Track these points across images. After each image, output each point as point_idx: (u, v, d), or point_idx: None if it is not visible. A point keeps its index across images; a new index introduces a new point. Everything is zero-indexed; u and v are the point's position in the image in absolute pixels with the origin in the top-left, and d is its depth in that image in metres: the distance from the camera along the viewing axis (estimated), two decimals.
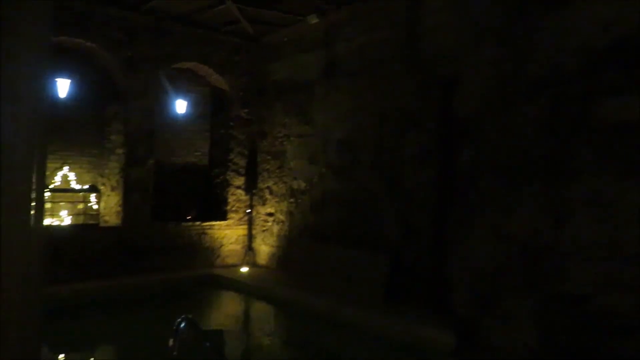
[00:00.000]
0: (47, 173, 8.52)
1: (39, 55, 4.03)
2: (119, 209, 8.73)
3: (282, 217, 9.49)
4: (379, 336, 6.04)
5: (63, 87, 8.47)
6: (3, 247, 3.64)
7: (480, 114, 5.99)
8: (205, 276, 8.96)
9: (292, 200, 9.28)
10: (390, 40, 7.48)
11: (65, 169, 8.70)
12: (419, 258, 6.83)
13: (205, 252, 9.53)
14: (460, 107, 6.27)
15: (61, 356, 5.28)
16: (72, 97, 8.55)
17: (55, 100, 8.41)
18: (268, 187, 9.86)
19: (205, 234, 9.56)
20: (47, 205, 8.34)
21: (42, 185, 3.97)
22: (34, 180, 3.92)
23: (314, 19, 8.58)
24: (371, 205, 7.65)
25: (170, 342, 2.99)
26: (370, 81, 7.82)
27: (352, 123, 8.11)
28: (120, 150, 8.84)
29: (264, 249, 9.83)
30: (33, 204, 3.75)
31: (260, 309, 8.16)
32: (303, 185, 9.05)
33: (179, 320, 3.11)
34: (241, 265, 9.41)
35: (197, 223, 9.51)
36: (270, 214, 9.76)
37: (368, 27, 7.87)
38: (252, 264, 9.59)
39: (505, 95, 5.70)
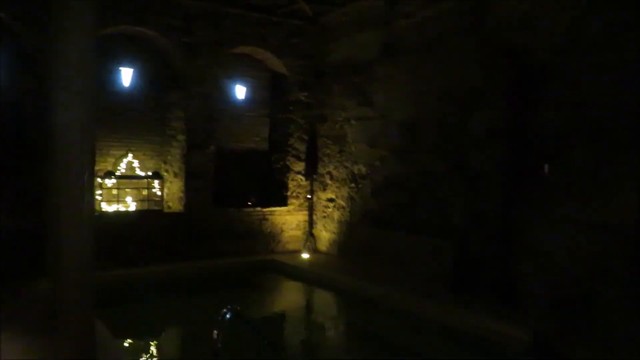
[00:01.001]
0: (113, 160, 8.77)
1: (86, 49, 3.95)
2: (182, 194, 8.83)
3: (342, 203, 9.24)
4: (445, 328, 5.68)
5: (126, 76, 8.63)
6: (62, 226, 3.64)
7: (562, 60, 5.33)
8: (266, 262, 8.91)
9: (353, 185, 9.00)
10: (454, 11, 6.96)
11: (130, 156, 8.88)
12: (487, 245, 6.35)
13: (266, 237, 9.48)
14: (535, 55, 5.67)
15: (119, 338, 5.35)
16: (134, 85, 8.69)
17: (118, 89, 8.59)
18: (328, 172, 9.63)
19: (265, 219, 9.51)
20: (113, 192, 8.57)
21: (93, 167, 3.92)
22: (85, 162, 3.88)
23: None
24: (435, 189, 7.23)
25: (215, 333, 2.83)
26: (432, 58, 7.34)
27: (414, 103, 7.68)
28: (181, 137, 8.91)
29: (325, 235, 9.64)
30: (85, 185, 3.74)
31: (321, 296, 7.99)
32: (364, 169, 8.74)
33: (224, 310, 2.94)
34: (302, 251, 9.28)
35: (258, 209, 9.47)
36: (331, 200, 9.54)
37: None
38: (313, 250, 9.44)
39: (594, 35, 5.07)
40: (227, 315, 2.94)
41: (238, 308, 3.05)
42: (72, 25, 3.96)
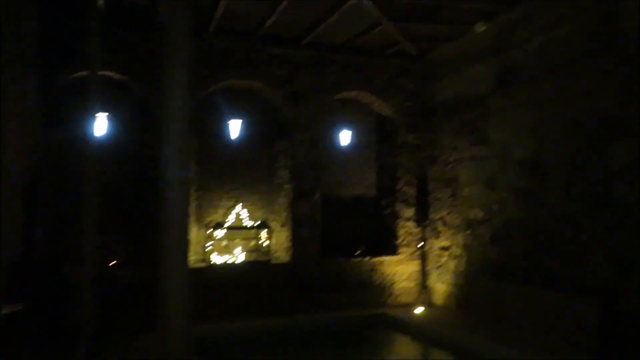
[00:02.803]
0: (222, 211, 8.91)
1: (185, 100, 3.99)
2: (289, 244, 8.67)
3: (458, 251, 8.43)
4: None
5: (234, 127, 8.84)
6: (168, 283, 3.65)
7: None
8: (376, 316, 8.31)
9: (468, 231, 8.19)
10: (578, 32, 6.16)
11: (238, 206, 8.98)
12: None
13: (376, 289, 8.91)
14: None
15: None
16: (242, 136, 8.87)
17: (228, 141, 8.81)
18: (441, 218, 8.91)
19: (375, 270, 8.98)
20: (223, 243, 8.64)
21: (187, 218, 3.89)
22: (183, 215, 3.89)
23: (481, 27, 7.63)
24: (568, 234, 6.24)
25: None
26: (555, 86, 6.53)
27: (537, 138, 6.84)
28: (287, 186, 8.84)
29: (440, 287, 8.83)
30: (187, 238, 3.78)
31: (438, 358, 7.18)
32: (480, 214, 7.93)
33: None
34: (415, 305, 8.55)
35: (367, 258, 8.99)
36: (445, 248, 8.77)
37: (547, 22, 6.63)
38: (428, 304, 8.65)
39: None
40: None
41: None
42: (173, 83, 4.03)
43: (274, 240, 9.08)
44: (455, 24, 7.69)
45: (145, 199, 7.69)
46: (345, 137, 9.55)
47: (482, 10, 7.17)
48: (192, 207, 8.45)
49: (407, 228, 9.30)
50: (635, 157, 5.39)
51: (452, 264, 8.56)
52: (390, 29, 7.72)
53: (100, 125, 7.33)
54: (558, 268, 6.35)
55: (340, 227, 9.46)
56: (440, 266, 8.86)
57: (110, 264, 7.64)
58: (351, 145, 9.63)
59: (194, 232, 8.56)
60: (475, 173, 8.08)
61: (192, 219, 8.44)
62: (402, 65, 9.26)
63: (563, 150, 6.39)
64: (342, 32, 8.03)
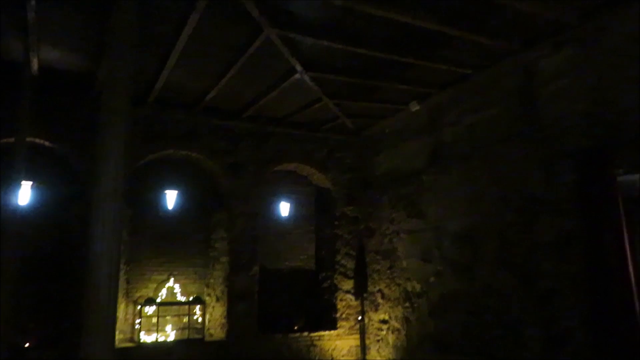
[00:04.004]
0: (154, 286, 8.44)
1: (119, 170, 3.86)
2: (224, 320, 8.27)
3: (397, 325, 8.37)
4: None
5: (171, 198, 8.60)
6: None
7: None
8: None
9: (407, 304, 8.19)
10: (503, 115, 6.63)
11: (171, 280, 8.55)
12: None
13: None
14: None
15: None
16: (178, 207, 8.62)
17: (163, 212, 8.52)
18: (379, 290, 8.89)
19: (314, 345, 8.70)
20: (153, 320, 8.11)
21: (116, 295, 3.66)
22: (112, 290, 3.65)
23: (415, 106, 8.05)
24: (502, 308, 6.37)
25: None
26: (485, 164, 6.90)
27: (469, 212, 7.11)
28: (224, 258, 8.57)
29: None
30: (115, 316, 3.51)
31: None
32: (418, 287, 7.98)
33: None
34: None
35: (305, 333, 8.71)
36: (384, 321, 8.69)
37: (475, 105, 7.12)
38: None
39: None
40: None
41: None
42: (108, 152, 3.88)
43: (208, 317, 8.64)
44: (391, 103, 8.08)
45: (70, 273, 7.17)
46: (284, 208, 9.53)
47: (415, 92, 7.60)
48: (121, 282, 7.95)
49: (346, 301, 9.18)
50: (559, 233, 5.69)
51: (391, 338, 8.45)
52: (329, 105, 7.99)
53: (24, 194, 6.89)
54: (495, 342, 6.40)
55: (279, 301, 9.20)
56: (379, 340, 8.72)
57: (25, 346, 6.93)
58: (290, 217, 9.60)
59: (121, 309, 8.01)
60: (412, 245, 8.22)
61: (121, 294, 7.91)
62: (340, 139, 9.53)
63: (494, 224, 6.65)
64: (283, 107, 8.21)
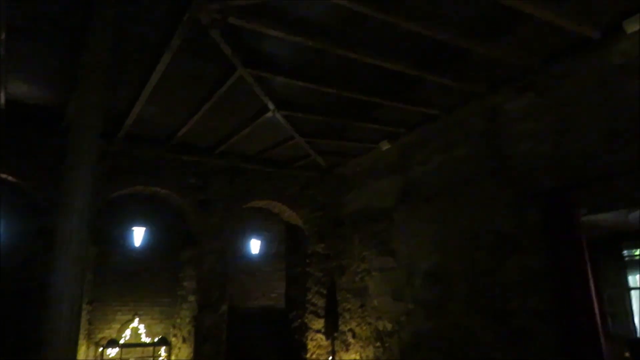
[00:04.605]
0: (118, 327, 8.14)
1: (85, 206, 3.79)
2: None
3: None
4: None
5: (138, 235, 8.42)
6: None
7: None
8: None
9: (378, 344, 8.09)
10: (470, 155, 6.80)
11: (136, 321, 8.26)
12: None
13: None
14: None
15: None
16: (146, 244, 8.44)
17: (130, 249, 8.32)
18: (350, 330, 8.77)
19: None
20: None
21: (76, 337, 3.53)
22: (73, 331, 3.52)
23: (385, 145, 8.20)
24: (473, 347, 6.36)
25: None
26: (454, 203, 7.01)
27: (440, 250, 7.16)
28: (192, 297, 8.36)
29: None
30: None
31: None
32: (389, 326, 7.92)
33: None
34: None
35: None
36: None
37: (444, 145, 7.29)
38: None
39: None
40: None
41: None
42: (74, 187, 3.80)
43: (174, 358, 8.33)
44: (362, 142, 8.20)
45: (31, 313, 6.86)
46: (254, 246, 9.44)
47: (386, 131, 7.75)
48: (83, 322, 7.63)
49: (316, 341, 9.02)
50: (527, 272, 5.77)
51: None
52: (301, 143, 8.06)
53: None
54: None
55: (248, 341, 8.96)
56: None
57: None
58: (261, 255, 9.50)
59: (82, 352, 7.66)
60: (384, 284, 8.19)
61: (82, 335, 7.58)
62: (312, 176, 9.57)
63: (464, 263, 6.71)
64: (256, 144, 8.23)
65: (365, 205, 8.87)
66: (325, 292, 9.26)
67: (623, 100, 5.02)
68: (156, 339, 8.35)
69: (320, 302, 9.21)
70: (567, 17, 4.75)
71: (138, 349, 8.08)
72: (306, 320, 9.10)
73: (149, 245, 8.51)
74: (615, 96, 5.09)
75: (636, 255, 6.45)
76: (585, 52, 5.34)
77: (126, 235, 8.35)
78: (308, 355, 8.90)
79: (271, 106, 6.61)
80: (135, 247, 8.33)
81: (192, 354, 7.96)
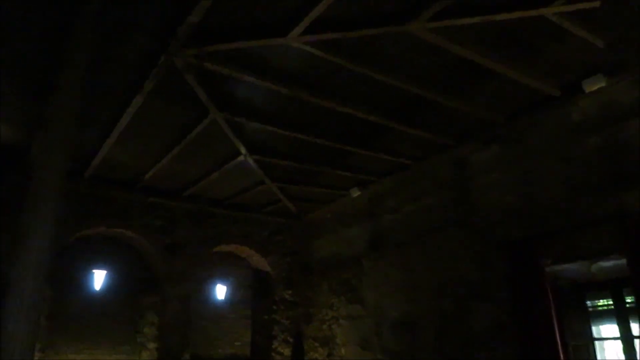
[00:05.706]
0: None
1: (43, 250, 3.63)
2: None
3: None
4: None
5: (98, 278, 8.11)
6: None
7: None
8: None
9: None
10: (439, 204, 6.90)
11: None
12: None
13: None
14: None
15: None
16: (106, 288, 8.12)
17: (89, 292, 7.99)
18: None
19: None
20: None
21: None
22: None
23: (356, 192, 8.24)
24: None
25: None
26: (422, 251, 7.05)
27: (408, 299, 7.13)
28: (152, 345, 8.05)
29: None
30: None
31: None
32: None
33: None
34: None
35: None
36: None
37: (413, 195, 7.38)
38: None
39: None
40: None
41: None
42: (33, 229, 3.65)
43: None
44: (333, 188, 8.23)
45: None
46: (220, 291, 9.20)
47: (357, 179, 7.81)
48: None
49: None
50: (493, 321, 5.78)
51: None
52: (272, 188, 8.03)
53: None
54: None
55: None
56: None
57: None
58: (226, 301, 9.25)
59: None
60: (351, 332, 8.05)
61: None
62: (281, 222, 9.50)
63: (431, 312, 6.68)
64: (225, 188, 8.15)
65: (335, 252, 8.81)
66: (291, 340, 9.03)
67: (582, 156, 5.23)
68: None
69: (287, 351, 8.96)
70: (531, 75, 4.99)
71: None
72: None
73: (109, 289, 8.19)
74: (575, 152, 5.31)
75: (600, 306, 6.54)
76: (547, 109, 5.58)
77: (86, 277, 8.02)
78: None
79: (243, 150, 6.60)
80: (94, 291, 8.00)
81: None
